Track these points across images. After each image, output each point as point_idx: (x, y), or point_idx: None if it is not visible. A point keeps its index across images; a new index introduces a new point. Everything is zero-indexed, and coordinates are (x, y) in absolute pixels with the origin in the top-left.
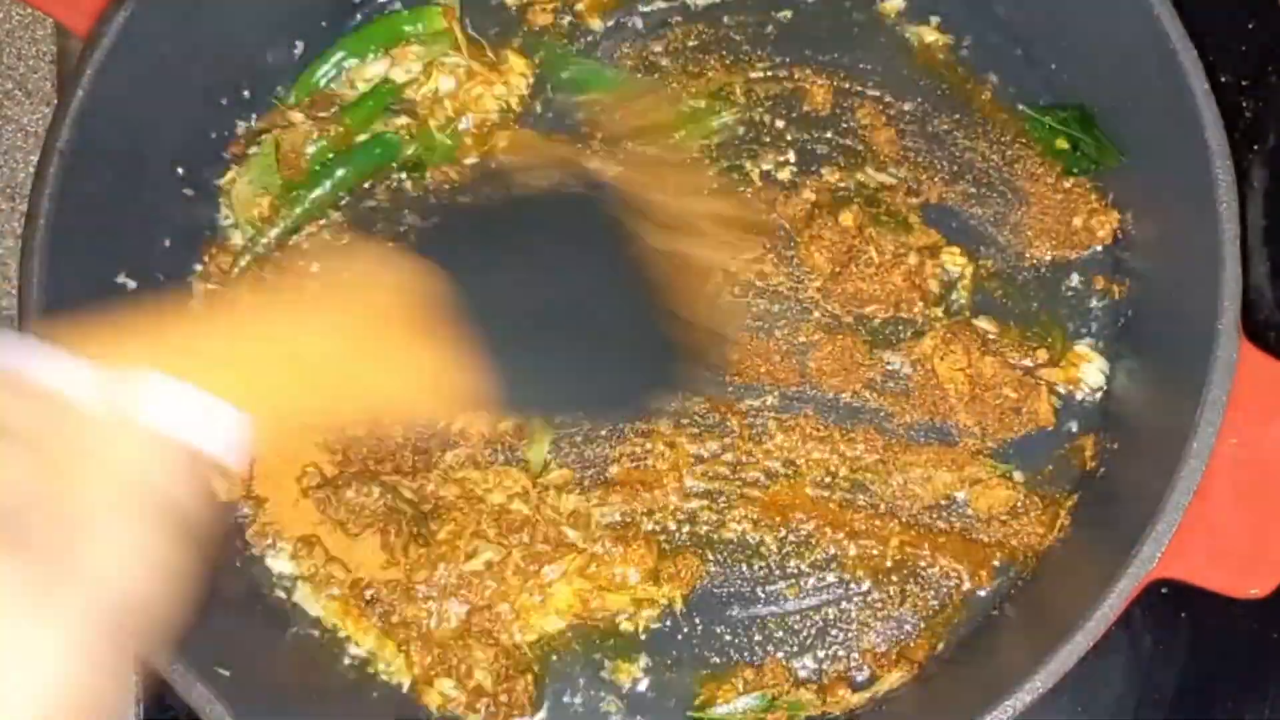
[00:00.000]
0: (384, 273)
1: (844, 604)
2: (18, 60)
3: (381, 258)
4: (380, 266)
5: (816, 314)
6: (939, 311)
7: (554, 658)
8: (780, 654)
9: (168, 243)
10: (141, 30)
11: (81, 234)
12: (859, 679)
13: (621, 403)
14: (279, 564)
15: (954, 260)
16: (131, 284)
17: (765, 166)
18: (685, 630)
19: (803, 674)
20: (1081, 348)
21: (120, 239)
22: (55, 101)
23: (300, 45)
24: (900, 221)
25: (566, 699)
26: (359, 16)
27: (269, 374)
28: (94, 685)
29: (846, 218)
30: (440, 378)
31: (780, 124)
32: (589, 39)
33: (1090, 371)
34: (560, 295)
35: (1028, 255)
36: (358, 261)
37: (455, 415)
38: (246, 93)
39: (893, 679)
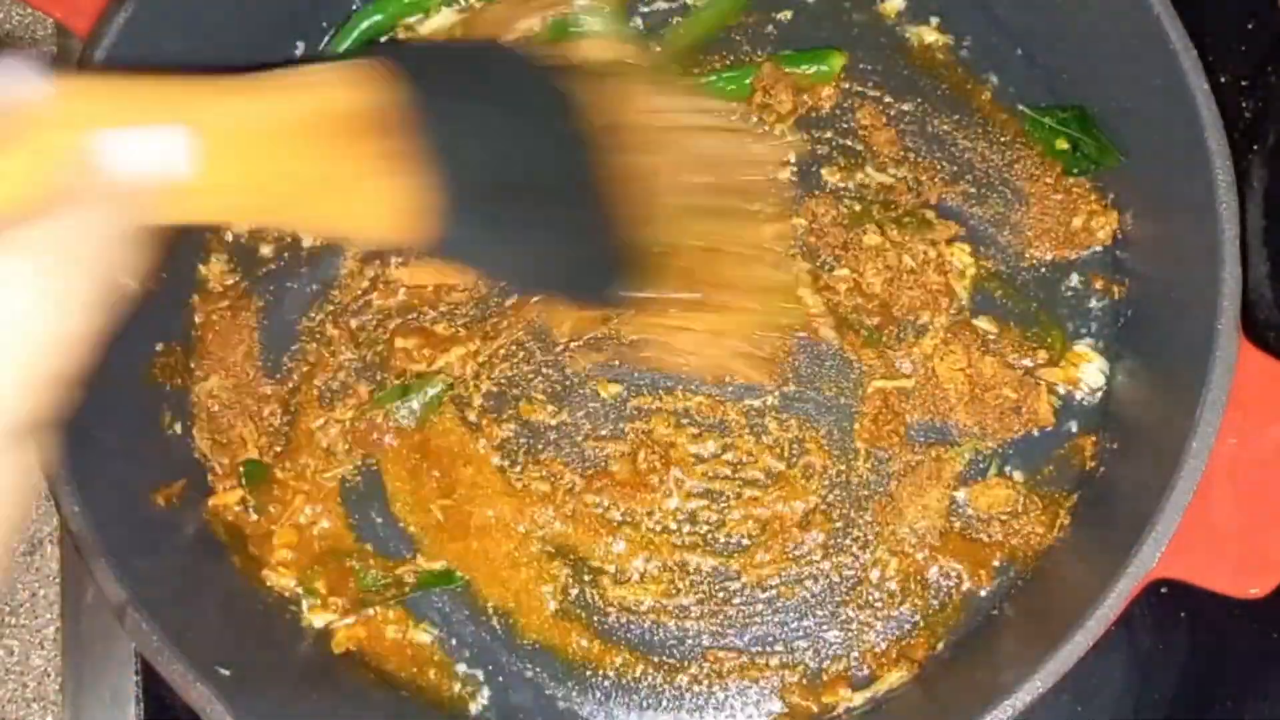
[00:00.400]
0: (362, 79)
1: (843, 603)
2: None
3: (361, 68)
4: (358, 73)
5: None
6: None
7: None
8: (778, 652)
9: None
10: (141, 30)
11: None
12: (859, 678)
13: (583, 286)
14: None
15: (963, 256)
16: (131, 284)
17: None
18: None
19: (802, 673)
20: (1081, 347)
21: None
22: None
23: (301, 45)
24: (920, 220)
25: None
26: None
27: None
28: None
29: (871, 238)
30: (395, 200)
31: (780, 126)
32: None
33: (1090, 371)
34: (533, 164)
35: (1028, 255)
36: (337, 68)
37: (400, 242)
38: None
39: (893, 679)
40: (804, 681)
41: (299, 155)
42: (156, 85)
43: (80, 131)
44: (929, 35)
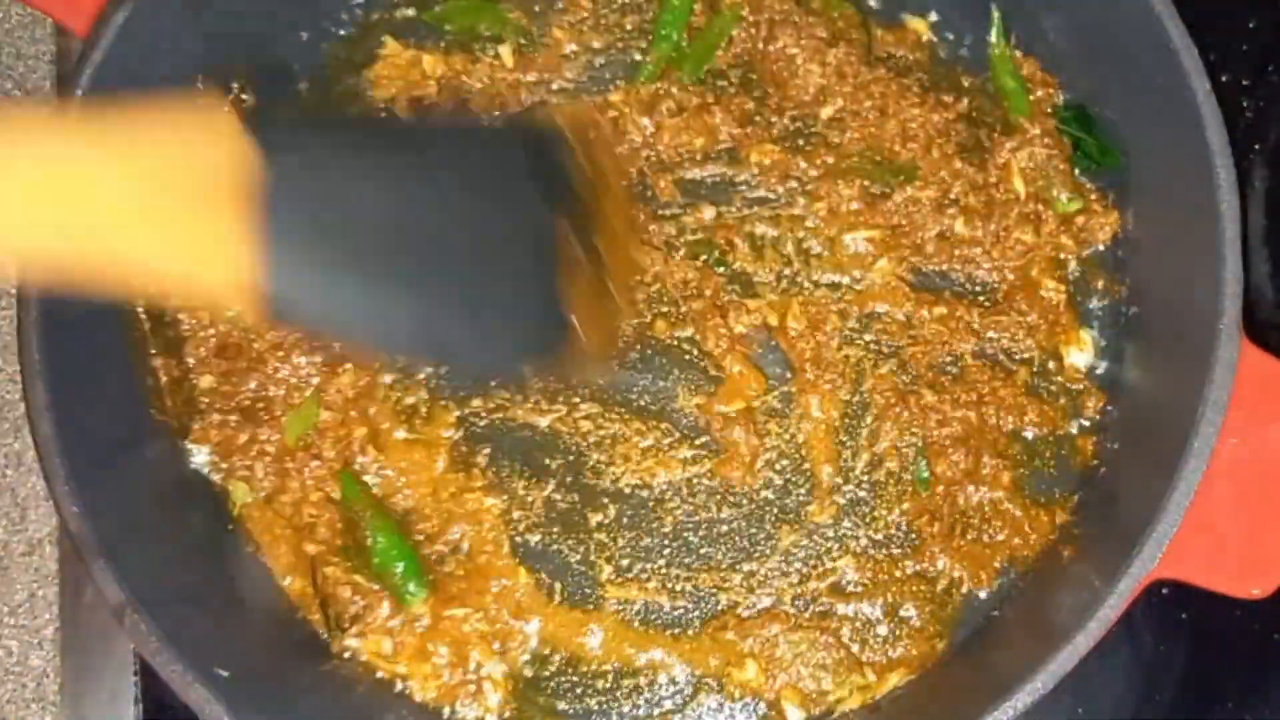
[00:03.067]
0: (204, 135)
1: (844, 604)
2: (17, 60)
3: (209, 121)
4: (203, 128)
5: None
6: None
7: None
8: (780, 652)
9: None
10: (140, 30)
11: None
12: (859, 680)
13: (482, 356)
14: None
15: None
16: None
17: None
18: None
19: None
20: (1083, 335)
21: None
22: (55, 101)
23: (305, 35)
24: None
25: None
26: (359, 15)
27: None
28: None
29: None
30: (220, 261)
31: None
32: None
33: (1077, 356)
34: (439, 229)
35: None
36: (182, 117)
37: (227, 304)
38: (246, 92)
39: (893, 679)
40: (803, 684)
41: (111, 181)
42: None
43: None
44: (927, 34)
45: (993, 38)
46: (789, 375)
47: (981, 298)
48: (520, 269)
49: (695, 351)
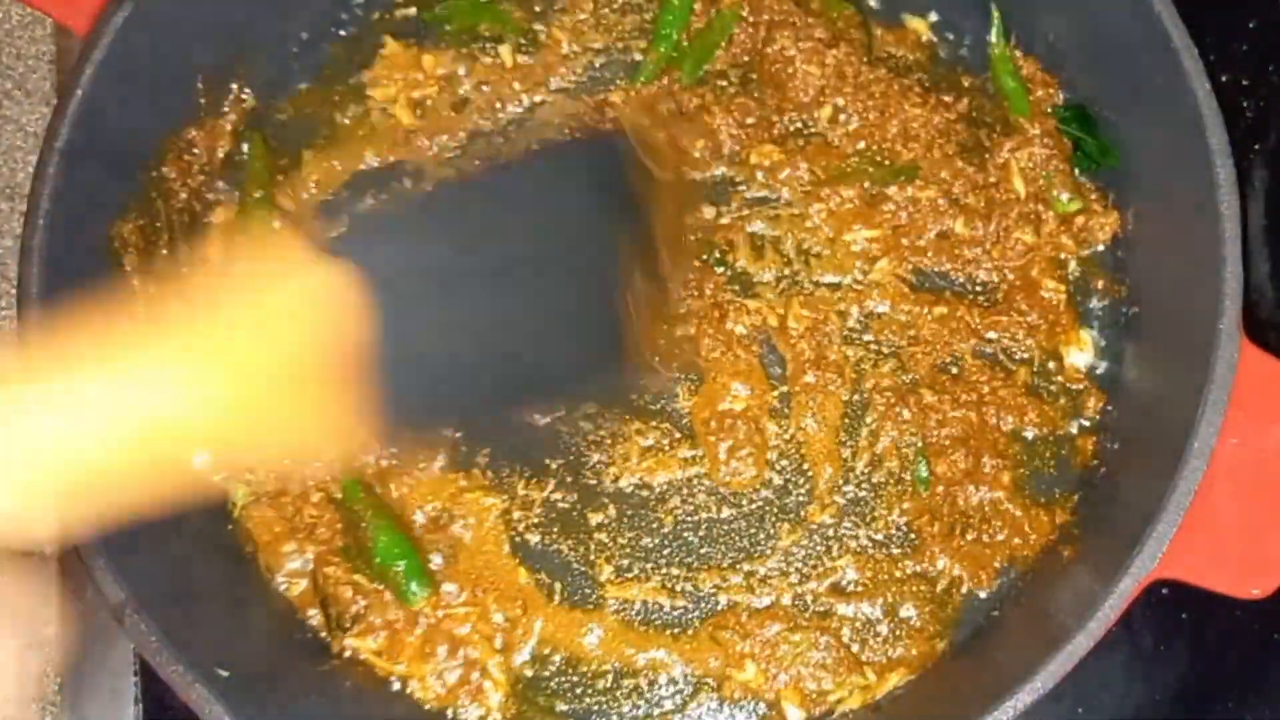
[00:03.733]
0: (303, 285)
1: (844, 604)
2: (17, 60)
3: (301, 264)
4: (298, 274)
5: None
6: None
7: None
8: (781, 652)
9: (167, 240)
10: (140, 30)
11: (81, 234)
12: (859, 680)
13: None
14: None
15: None
16: (135, 282)
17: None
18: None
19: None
20: (1083, 334)
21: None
22: (55, 101)
23: (304, 35)
24: None
25: None
26: (359, 15)
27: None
28: None
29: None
30: (340, 412)
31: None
32: None
33: (1077, 356)
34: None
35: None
36: (276, 268)
37: (348, 450)
38: (246, 92)
39: (893, 679)
40: (803, 684)
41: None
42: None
43: None
44: (927, 33)
45: (993, 38)
46: (789, 375)
47: (981, 298)
48: (585, 290)
49: (695, 351)
